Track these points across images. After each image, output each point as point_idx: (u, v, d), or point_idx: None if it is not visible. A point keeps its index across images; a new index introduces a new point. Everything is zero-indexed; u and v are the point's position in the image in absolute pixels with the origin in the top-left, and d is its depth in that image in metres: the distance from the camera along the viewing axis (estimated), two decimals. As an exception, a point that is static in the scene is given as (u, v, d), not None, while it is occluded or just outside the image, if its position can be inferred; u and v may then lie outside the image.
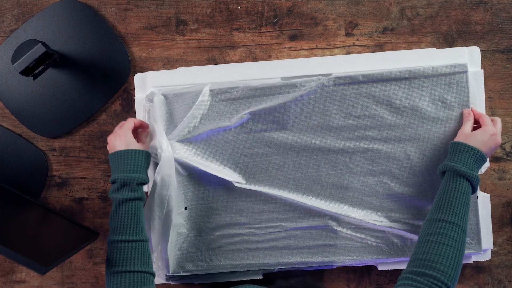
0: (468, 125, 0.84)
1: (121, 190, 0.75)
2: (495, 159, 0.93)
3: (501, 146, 0.93)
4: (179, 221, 0.89)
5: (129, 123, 0.81)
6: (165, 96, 0.88)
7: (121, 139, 0.79)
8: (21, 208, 0.87)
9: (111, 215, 0.76)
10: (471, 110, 0.86)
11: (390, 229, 0.88)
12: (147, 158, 0.79)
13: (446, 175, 0.79)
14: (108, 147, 0.82)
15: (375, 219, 0.88)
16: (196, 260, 0.89)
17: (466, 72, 0.86)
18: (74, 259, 0.95)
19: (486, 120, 0.83)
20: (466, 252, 0.88)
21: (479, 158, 0.79)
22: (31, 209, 0.88)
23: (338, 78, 0.86)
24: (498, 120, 0.84)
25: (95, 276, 0.95)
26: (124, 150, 0.77)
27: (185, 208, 0.89)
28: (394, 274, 0.94)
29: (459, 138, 0.83)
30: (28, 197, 0.90)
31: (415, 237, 0.88)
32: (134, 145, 0.79)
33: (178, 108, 0.88)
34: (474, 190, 0.78)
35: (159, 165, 0.83)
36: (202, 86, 0.87)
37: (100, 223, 0.94)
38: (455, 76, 0.86)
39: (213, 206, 0.89)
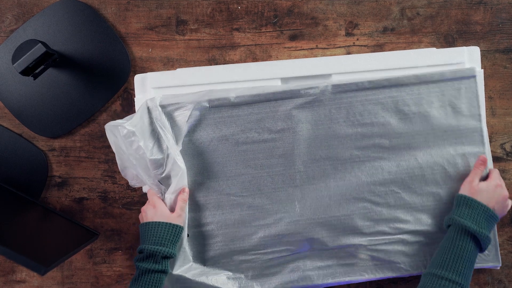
0: (476, 176, 0.82)
1: (146, 260, 0.78)
2: (495, 159, 0.93)
3: (501, 146, 0.93)
4: (183, 247, 0.85)
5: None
6: (163, 106, 0.85)
7: (154, 210, 0.81)
8: (21, 208, 0.87)
9: (132, 281, 0.78)
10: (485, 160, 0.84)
11: (401, 241, 0.85)
12: (177, 232, 0.80)
13: (452, 230, 0.76)
14: (140, 216, 0.84)
15: (386, 231, 0.85)
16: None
17: (474, 76, 0.85)
18: (74, 259, 0.95)
19: (492, 172, 0.82)
20: (484, 264, 0.86)
21: (489, 216, 0.76)
22: (31, 209, 0.88)
23: (344, 85, 0.84)
24: (495, 172, 0.83)
25: (95, 276, 0.95)
26: (154, 222, 0.79)
27: (187, 235, 0.86)
28: (394, 274, 0.94)
29: (464, 191, 0.80)
30: (28, 197, 0.90)
31: (428, 248, 0.85)
32: (166, 216, 0.80)
33: (177, 117, 0.85)
34: (482, 249, 0.76)
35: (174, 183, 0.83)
36: (201, 93, 0.85)
37: (100, 223, 0.94)
38: (464, 80, 0.85)
39: (215, 233, 0.86)
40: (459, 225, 0.75)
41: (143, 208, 0.83)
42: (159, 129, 0.83)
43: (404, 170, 0.85)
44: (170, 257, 0.79)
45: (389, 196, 0.85)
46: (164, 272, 0.78)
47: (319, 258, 0.86)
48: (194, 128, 0.86)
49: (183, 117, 0.85)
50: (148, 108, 0.85)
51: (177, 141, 0.85)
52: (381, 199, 0.85)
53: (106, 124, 0.83)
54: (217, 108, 0.85)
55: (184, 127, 0.85)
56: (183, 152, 0.85)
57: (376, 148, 0.85)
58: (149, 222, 0.80)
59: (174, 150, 0.83)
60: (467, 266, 0.73)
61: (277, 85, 0.86)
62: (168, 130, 0.84)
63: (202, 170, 0.86)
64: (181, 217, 0.82)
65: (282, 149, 0.85)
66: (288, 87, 0.85)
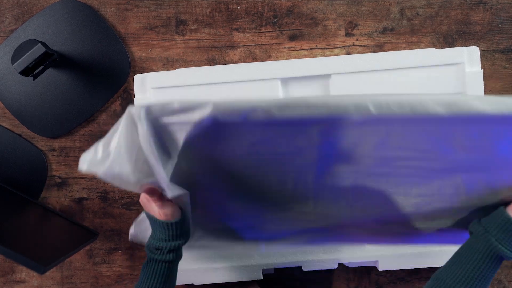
0: None
1: (154, 251, 0.75)
2: (495, 159, 0.93)
3: (501, 146, 0.93)
4: None
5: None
6: (151, 115, 0.63)
7: (149, 204, 0.75)
8: (20, 208, 0.87)
9: (144, 265, 0.76)
10: None
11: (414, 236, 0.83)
12: (173, 227, 0.75)
13: (484, 250, 0.69)
14: (140, 200, 0.76)
15: (399, 230, 0.82)
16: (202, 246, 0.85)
17: None
18: (73, 259, 0.95)
19: None
20: None
21: None
22: (31, 209, 0.88)
23: (390, 108, 0.60)
24: None
25: (94, 276, 0.95)
26: (152, 218, 0.75)
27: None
28: (394, 274, 0.94)
29: None
30: (28, 197, 0.90)
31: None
32: (156, 215, 0.75)
33: (171, 130, 0.66)
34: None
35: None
36: (203, 104, 0.62)
37: (100, 223, 0.94)
38: None
39: (217, 215, 0.83)
40: (495, 250, 0.69)
41: (140, 198, 0.75)
42: (146, 155, 0.66)
43: (443, 195, 0.73)
44: (175, 250, 0.75)
45: (414, 206, 0.76)
46: (172, 262, 0.75)
47: (325, 236, 0.86)
48: (191, 141, 0.67)
49: (179, 133, 0.66)
50: (133, 119, 0.65)
51: (171, 153, 0.69)
52: (409, 208, 0.76)
53: (80, 167, 0.65)
54: (221, 124, 0.64)
55: (180, 142, 0.67)
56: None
57: (416, 171, 0.70)
58: (149, 215, 0.75)
59: (164, 180, 0.69)
60: (486, 283, 0.70)
61: (304, 100, 0.62)
62: (158, 150, 0.66)
63: (202, 172, 0.75)
64: (167, 215, 0.73)
65: (299, 160, 0.70)
66: (318, 111, 0.61)
